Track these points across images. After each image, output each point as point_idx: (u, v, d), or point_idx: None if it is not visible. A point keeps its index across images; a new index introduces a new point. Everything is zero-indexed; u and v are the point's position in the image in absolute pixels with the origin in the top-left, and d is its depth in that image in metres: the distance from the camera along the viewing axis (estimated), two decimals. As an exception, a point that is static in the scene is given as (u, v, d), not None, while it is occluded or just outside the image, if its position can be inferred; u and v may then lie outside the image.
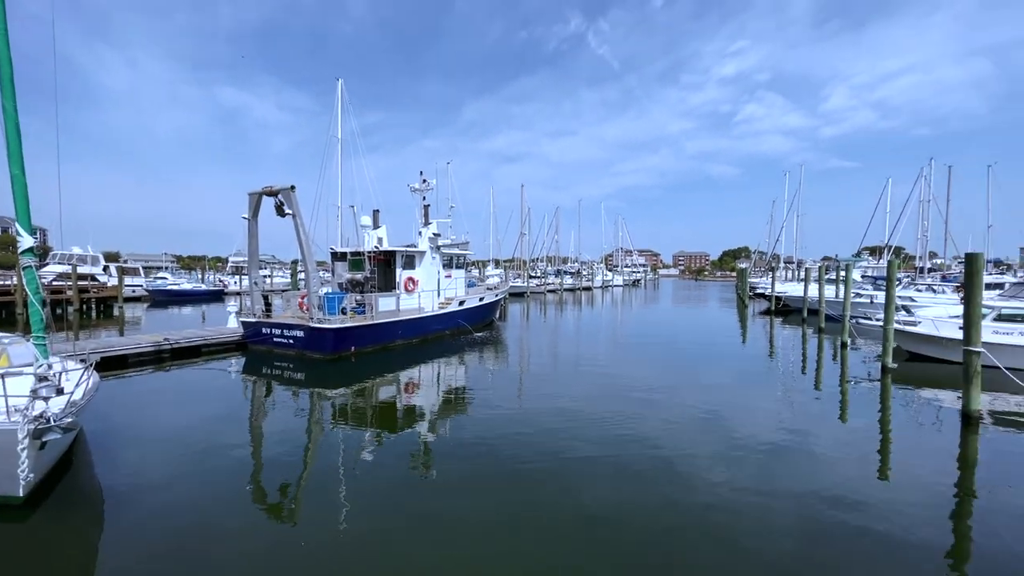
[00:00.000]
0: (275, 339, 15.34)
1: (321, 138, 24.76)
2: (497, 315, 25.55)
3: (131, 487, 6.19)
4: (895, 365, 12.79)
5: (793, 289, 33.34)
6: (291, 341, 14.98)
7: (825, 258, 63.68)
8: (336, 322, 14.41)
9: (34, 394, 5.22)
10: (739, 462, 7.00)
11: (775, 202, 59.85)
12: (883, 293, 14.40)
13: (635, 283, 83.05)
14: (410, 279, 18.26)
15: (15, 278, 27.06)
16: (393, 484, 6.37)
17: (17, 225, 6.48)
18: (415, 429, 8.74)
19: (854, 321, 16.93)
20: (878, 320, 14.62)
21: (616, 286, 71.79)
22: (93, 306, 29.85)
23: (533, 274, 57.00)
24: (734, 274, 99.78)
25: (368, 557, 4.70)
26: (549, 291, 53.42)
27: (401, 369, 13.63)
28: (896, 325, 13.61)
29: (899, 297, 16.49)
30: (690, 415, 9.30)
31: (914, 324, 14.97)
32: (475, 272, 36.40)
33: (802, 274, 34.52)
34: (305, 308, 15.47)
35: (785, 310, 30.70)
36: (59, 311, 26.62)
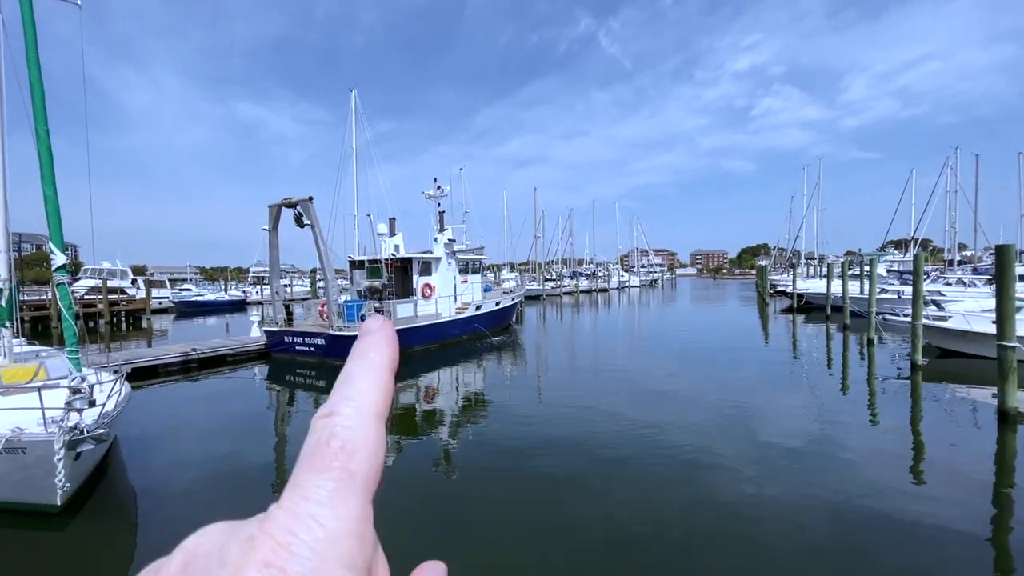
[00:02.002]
0: (297, 347, 15.63)
1: (336, 149, 25.19)
2: (514, 319, 25.60)
3: (163, 493, 6.38)
4: (925, 362, 12.40)
5: (815, 286, 32.60)
6: (313, 349, 15.25)
7: (848, 253, 62.17)
8: (355, 329, 14.61)
9: (68, 406, 5.42)
10: (765, 466, 6.86)
11: (794, 197, 58.90)
12: (910, 288, 13.99)
13: (652, 283, 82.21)
14: (427, 285, 18.43)
15: (50, 293, 28.18)
16: (415, 488, 6.43)
17: (51, 244, 6.77)
18: (435, 434, 8.80)
19: (880, 317, 16.46)
20: (906, 316, 14.20)
21: (633, 287, 71.18)
22: (123, 318, 30.88)
23: (548, 277, 56.91)
24: (753, 272, 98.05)
25: (390, 560, 4.75)
26: (565, 293, 53.25)
27: (420, 374, 13.74)
28: (925, 320, 13.19)
29: (928, 291, 15.95)
30: (712, 418, 9.14)
31: (944, 319, 14.50)
32: (491, 276, 36.52)
33: (824, 270, 33.74)
34: (325, 316, 15.74)
35: (807, 307, 30.03)
36: (91, 324, 27.59)
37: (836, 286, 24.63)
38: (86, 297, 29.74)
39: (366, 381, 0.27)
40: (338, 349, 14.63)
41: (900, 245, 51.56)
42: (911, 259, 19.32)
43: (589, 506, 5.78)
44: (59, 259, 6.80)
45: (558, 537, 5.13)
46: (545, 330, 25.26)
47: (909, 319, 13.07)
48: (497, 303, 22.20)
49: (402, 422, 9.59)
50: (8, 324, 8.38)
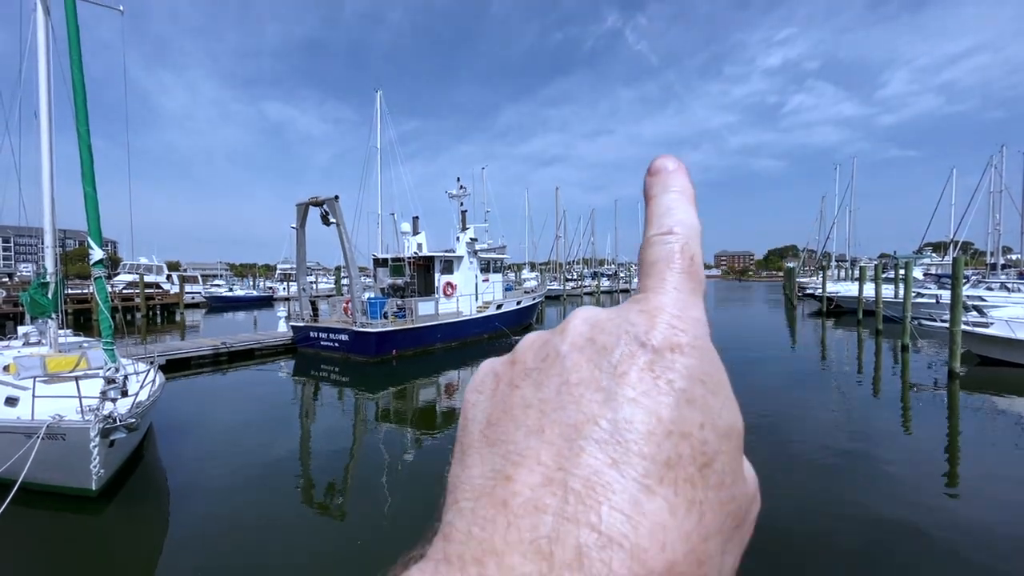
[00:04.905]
0: (322, 342, 15.97)
1: (361, 148, 25.53)
2: (534, 318, 25.55)
3: (195, 481, 6.64)
4: (964, 370, 11.84)
5: (846, 289, 31.44)
6: (337, 344, 15.55)
7: (882, 255, 59.86)
8: (378, 326, 14.85)
9: (103, 395, 5.68)
10: (794, 476, 6.67)
11: (824, 197, 56.94)
12: (948, 292, 13.36)
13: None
14: (448, 284, 18.56)
15: (92, 287, 29.58)
16: (434, 484, 6.49)
17: (89, 239, 7.08)
18: (455, 431, 8.85)
19: (916, 322, 15.76)
20: (944, 321, 13.56)
21: (655, 288, 69.88)
22: (158, 312, 32.16)
23: (569, 277, 56.56)
24: (781, 274, 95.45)
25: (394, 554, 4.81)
26: (586, 294, 52.81)
27: (441, 372, 13.86)
28: (964, 327, 12.57)
29: (967, 296, 15.16)
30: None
31: (986, 325, 13.79)
32: (511, 276, 36.55)
33: (856, 273, 32.57)
34: (349, 313, 16.03)
35: (837, 311, 29.01)
36: (129, 317, 28.82)
37: (868, 289, 23.71)
38: (124, 291, 31.10)
39: (685, 208, 0.28)
40: (361, 345, 14.88)
41: (938, 248, 49.43)
42: (949, 262, 18.45)
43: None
44: (97, 254, 7.10)
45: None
46: (565, 330, 25.10)
47: (947, 325, 12.48)
48: (518, 302, 22.20)
49: (423, 418, 9.70)
50: (54, 315, 8.83)
